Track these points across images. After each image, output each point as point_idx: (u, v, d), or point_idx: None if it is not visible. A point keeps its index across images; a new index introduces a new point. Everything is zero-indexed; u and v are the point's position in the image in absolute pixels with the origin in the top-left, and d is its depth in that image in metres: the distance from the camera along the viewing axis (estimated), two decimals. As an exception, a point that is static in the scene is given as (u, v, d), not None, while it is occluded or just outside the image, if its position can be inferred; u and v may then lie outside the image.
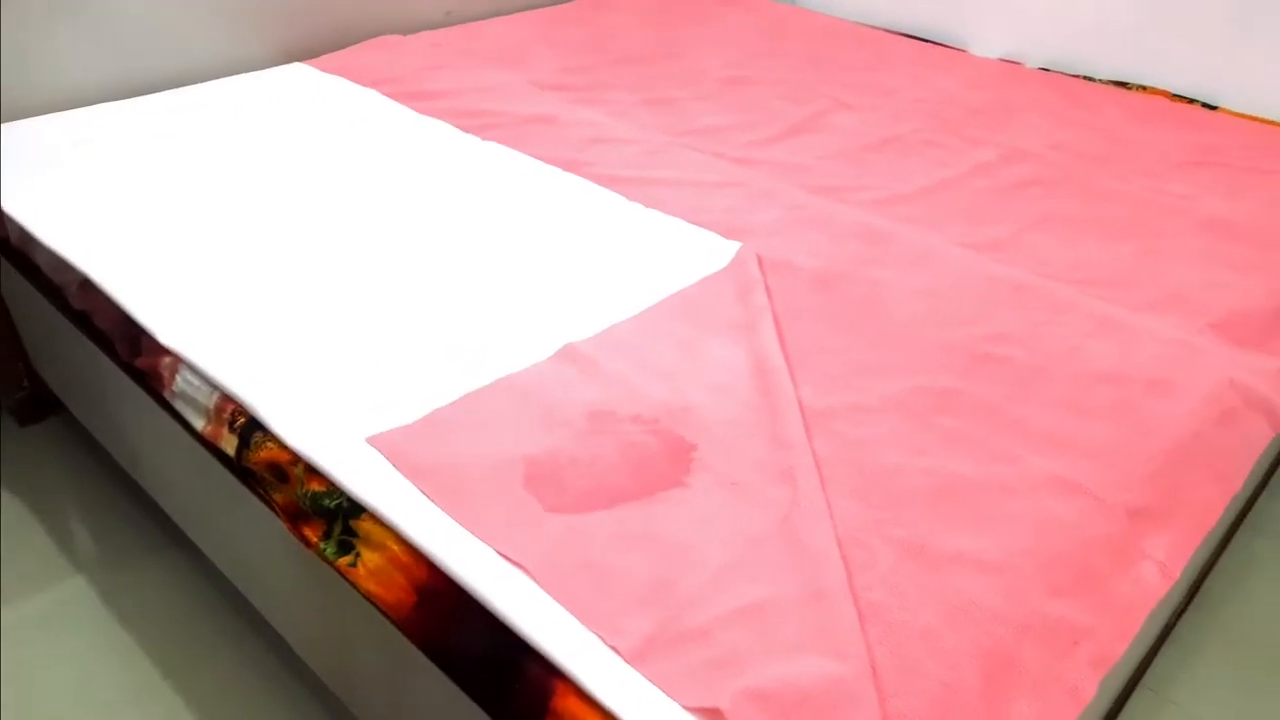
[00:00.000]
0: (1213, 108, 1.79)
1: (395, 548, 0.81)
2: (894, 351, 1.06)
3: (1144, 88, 1.87)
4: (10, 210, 1.27)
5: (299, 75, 1.76)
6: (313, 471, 0.88)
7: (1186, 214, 1.38)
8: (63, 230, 1.21)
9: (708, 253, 1.23)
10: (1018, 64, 2.00)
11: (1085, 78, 1.92)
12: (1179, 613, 1.31)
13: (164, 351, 1.04)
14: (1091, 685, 0.74)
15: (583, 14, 2.22)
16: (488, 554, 0.77)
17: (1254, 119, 1.73)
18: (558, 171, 1.43)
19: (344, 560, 0.84)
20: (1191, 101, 1.81)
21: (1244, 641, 1.30)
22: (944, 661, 0.70)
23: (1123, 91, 1.85)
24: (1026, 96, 1.81)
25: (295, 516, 0.90)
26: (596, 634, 0.71)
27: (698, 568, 0.77)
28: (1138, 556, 0.84)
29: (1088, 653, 0.76)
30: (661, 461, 0.88)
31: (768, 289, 1.16)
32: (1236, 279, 1.22)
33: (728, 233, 1.29)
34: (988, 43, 2.08)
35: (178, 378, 1.03)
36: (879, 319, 1.12)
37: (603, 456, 0.88)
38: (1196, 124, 1.70)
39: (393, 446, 0.88)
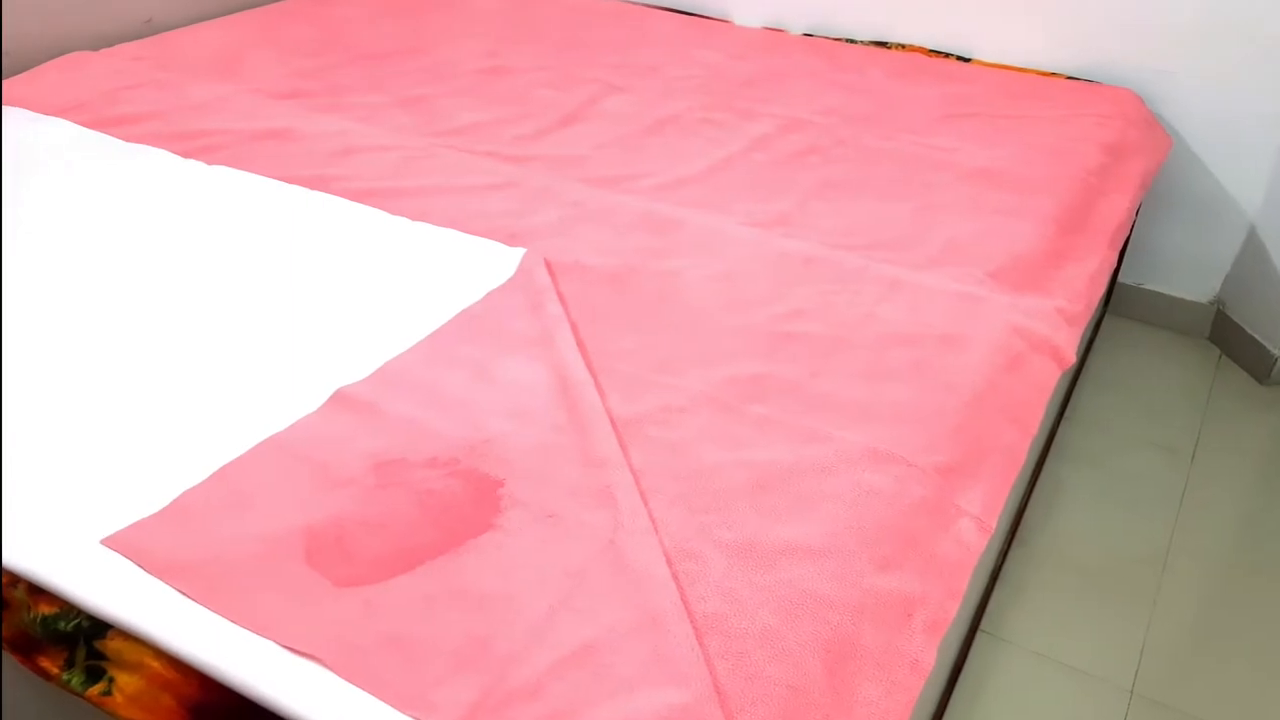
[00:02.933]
0: (966, 60, 1.98)
1: (156, 664, 0.73)
2: (697, 343, 1.09)
3: (902, 46, 2.03)
4: None
5: (-39, 108, 1.56)
6: (39, 591, 0.78)
7: (952, 167, 1.52)
8: None
9: (489, 263, 1.21)
10: (781, 31, 2.12)
11: (847, 40, 2.07)
12: (1003, 554, 1.44)
13: None
14: (930, 653, 0.80)
15: (306, 9, 2.12)
16: (272, 650, 0.72)
17: (1004, 68, 1.94)
18: (303, 191, 1.35)
19: (95, 690, 0.75)
20: (947, 56, 1.99)
21: (1062, 566, 1.46)
22: (786, 663, 0.73)
23: (883, 51, 2.00)
24: (793, 64, 1.92)
25: (27, 649, 0.79)
26: (410, 715, 0.68)
27: (520, 617, 0.75)
28: (955, 514, 0.91)
29: (922, 621, 0.81)
30: (466, 506, 0.86)
31: (560, 295, 1.16)
32: (1006, 225, 1.36)
33: (509, 239, 1.27)
34: (748, 12, 2.19)
35: None
36: (677, 311, 1.15)
37: (397, 513, 0.84)
38: (953, 77, 1.87)
39: (136, 545, 0.79)
